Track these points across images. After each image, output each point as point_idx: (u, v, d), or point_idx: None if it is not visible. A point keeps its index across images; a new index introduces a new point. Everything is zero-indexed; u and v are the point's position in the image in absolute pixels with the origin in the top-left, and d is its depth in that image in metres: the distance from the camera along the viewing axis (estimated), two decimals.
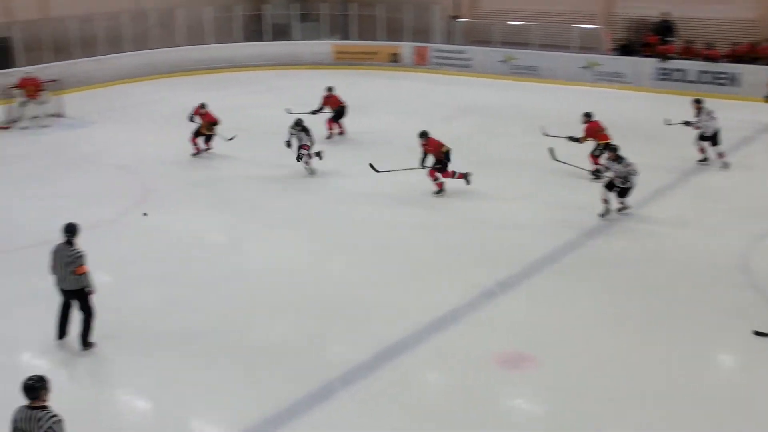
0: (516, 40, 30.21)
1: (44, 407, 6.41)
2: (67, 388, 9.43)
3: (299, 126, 17.03)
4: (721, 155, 17.59)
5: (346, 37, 33.12)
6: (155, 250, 13.55)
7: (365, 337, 10.45)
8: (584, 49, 28.70)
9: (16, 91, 22.67)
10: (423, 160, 16.23)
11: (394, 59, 31.71)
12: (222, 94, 26.26)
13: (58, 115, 23.32)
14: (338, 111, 20.61)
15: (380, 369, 9.75)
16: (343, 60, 31.96)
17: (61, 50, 28.23)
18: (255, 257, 13.21)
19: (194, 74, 30.43)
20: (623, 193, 14.32)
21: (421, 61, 31.39)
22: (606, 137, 16.64)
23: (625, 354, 10.03)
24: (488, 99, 25.90)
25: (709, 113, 17.36)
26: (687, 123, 17.70)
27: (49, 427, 6.30)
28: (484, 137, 20.83)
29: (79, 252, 9.80)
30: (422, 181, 16.07)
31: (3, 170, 18.41)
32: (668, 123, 18.45)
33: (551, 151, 14.02)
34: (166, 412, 8.99)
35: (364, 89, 27.50)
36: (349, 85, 27.92)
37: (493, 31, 30.55)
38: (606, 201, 14.37)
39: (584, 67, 28.13)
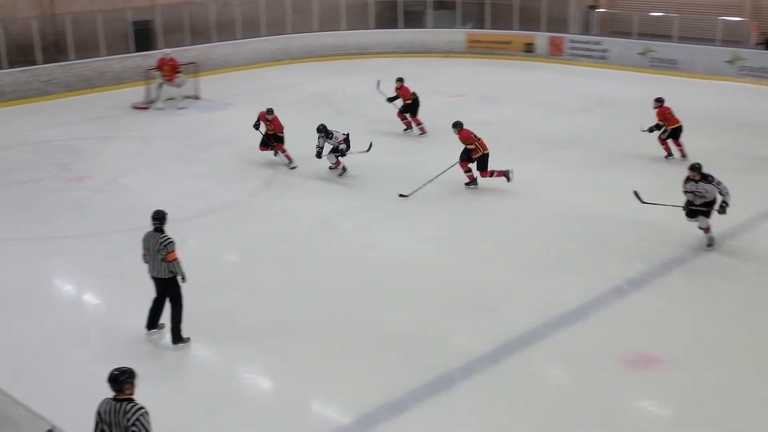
0: (656, 32, 29.23)
1: (130, 399, 6.27)
2: (187, 366, 9.66)
3: (323, 132, 16.30)
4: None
5: (480, 26, 32.75)
6: (282, 232, 13.69)
7: (488, 330, 10.28)
8: (729, 42, 27.54)
9: (155, 73, 23.32)
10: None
11: (528, 49, 31.15)
12: (352, 80, 26.45)
13: (195, 97, 23.89)
14: (412, 103, 19.86)
15: (502, 362, 9.58)
16: (476, 49, 31.61)
17: (200, 34, 28.92)
18: (381, 244, 13.18)
19: (327, 60, 30.67)
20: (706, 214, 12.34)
21: (556, 52, 30.75)
22: (677, 121, 17.01)
23: (759, 360, 9.53)
24: (623, 92, 25.13)
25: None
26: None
27: (137, 420, 6.16)
28: (613, 131, 20.14)
29: (168, 238, 9.65)
30: (550, 173, 15.71)
31: (140, 149, 19.00)
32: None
33: (636, 194, 12.81)
34: (287, 395, 9.05)
35: (495, 79, 27.19)
36: (480, 74, 27.78)
37: (633, 22, 29.63)
38: (707, 230, 12.54)
39: (728, 62, 26.98)
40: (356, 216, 14.51)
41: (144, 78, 23.80)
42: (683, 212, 12.43)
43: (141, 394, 8.88)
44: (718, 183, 12.05)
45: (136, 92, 23.92)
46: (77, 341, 10.14)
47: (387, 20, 32.91)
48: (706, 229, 12.46)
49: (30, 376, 9.05)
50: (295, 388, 9.12)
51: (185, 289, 9.81)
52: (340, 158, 16.34)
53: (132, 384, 6.30)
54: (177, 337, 9.80)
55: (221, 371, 9.58)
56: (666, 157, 17.37)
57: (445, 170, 15.29)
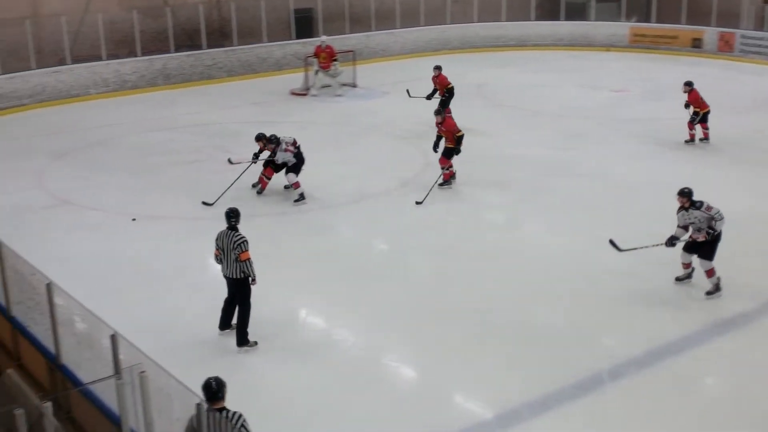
0: None
1: (225, 408, 6.17)
2: (330, 349, 9.70)
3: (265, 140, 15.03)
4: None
5: (645, 20, 31.68)
6: (433, 222, 13.62)
7: (639, 332, 9.91)
8: None
9: (312, 60, 23.67)
10: (436, 142, 15.23)
11: (696, 45, 29.88)
12: (508, 72, 26.10)
13: (352, 85, 24.14)
14: (448, 95, 18.92)
15: (652, 366, 9.22)
16: (640, 43, 30.60)
17: (359, 22, 29.22)
18: (531, 238, 12.94)
19: (483, 51, 30.39)
20: (695, 248, 10.70)
21: (725, 48, 29.36)
22: (707, 106, 17.48)
23: None
24: None
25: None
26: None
27: (242, 426, 6.11)
28: None
29: (242, 237, 9.45)
30: (712, 173, 14.99)
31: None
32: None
33: (612, 242, 11.34)
34: (430, 385, 8.97)
35: (659, 74, 26.20)
36: (644, 69, 26.87)
37: None
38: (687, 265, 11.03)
39: None
40: (509, 209, 14.26)
41: (303, 65, 24.20)
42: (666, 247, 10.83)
43: (289, 374, 9.02)
44: (708, 208, 10.45)
45: (295, 79, 24.36)
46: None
47: (548, 12, 32.31)
48: (709, 272, 10.64)
49: (181, 351, 9.30)
50: (439, 379, 9.03)
51: (340, 272, 9.84)
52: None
53: (224, 393, 6.25)
54: (242, 340, 9.56)
55: (365, 357, 9.58)
56: (686, 141, 17.63)
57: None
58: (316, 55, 23.39)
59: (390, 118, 20.36)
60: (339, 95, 23.18)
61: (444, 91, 19.19)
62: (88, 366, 7.64)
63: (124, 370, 6.41)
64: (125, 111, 21.86)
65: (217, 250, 9.55)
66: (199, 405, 5.69)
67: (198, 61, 25.57)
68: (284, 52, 27.03)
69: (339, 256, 12.14)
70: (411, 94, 19.95)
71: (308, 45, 26.17)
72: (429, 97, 19.54)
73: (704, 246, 10.47)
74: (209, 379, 6.24)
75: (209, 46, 25.94)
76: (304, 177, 14.92)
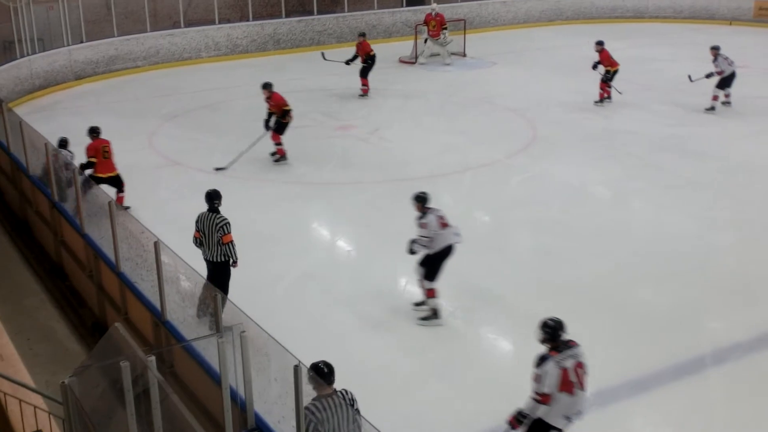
0: None
1: (335, 391, 5.92)
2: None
3: None
4: (727, 96, 17.90)
5: None
6: (538, 195, 13.42)
7: (746, 317, 9.56)
8: None
9: (422, 28, 23.51)
10: (267, 120, 14.88)
11: None
12: (624, 45, 25.35)
13: (461, 54, 23.91)
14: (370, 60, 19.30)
15: (758, 353, 8.91)
16: (765, 18, 29.34)
17: None
18: (639, 217, 12.61)
19: (598, 22, 29.66)
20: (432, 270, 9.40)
21: None
22: (617, 64, 18.26)
23: None
24: None
25: (726, 58, 17.56)
26: (709, 75, 17.65)
27: (357, 409, 5.92)
28: None
29: (225, 219, 9.20)
30: None
31: (403, 103, 19.27)
32: (692, 79, 18.01)
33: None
34: (526, 359, 8.82)
35: None
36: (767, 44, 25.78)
37: None
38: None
39: None
40: (617, 186, 13.92)
41: (413, 33, 24.07)
42: None
43: (386, 342, 9.04)
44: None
45: (404, 46, 24.27)
46: (327, 285, 10.44)
47: None
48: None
49: (282, 313, 9.41)
50: (535, 353, 8.89)
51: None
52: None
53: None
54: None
55: (463, 328, 9.52)
56: (596, 102, 18.34)
57: (254, 143, 14.82)
58: (426, 22, 23.22)
59: (498, 88, 20.11)
60: (447, 64, 23.00)
61: (365, 58, 19.46)
62: (190, 323, 7.81)
63: (225, 329, 6.51)
64: (235, 75, 22.19)
65: (197, 232, 9.20)
66: (297, 367, 5.73)
67: (308, 26, 25.75)
68: (394, 20, 26.97)
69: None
70: (326, 58, 20.27)
71: (419, 12, 26.04)
72: (348, 62, 19.95)
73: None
74: (318, 363, 5.98)
75: (320, 12, 26.07)
76: (406, 144, 14.87)
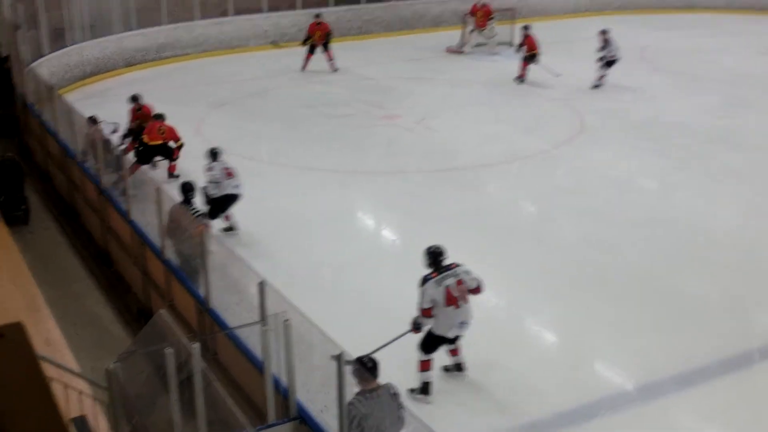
0: None
1: (379, 385, 5.92)
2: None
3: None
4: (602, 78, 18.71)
5: None
6: (583, 185, 13.30)
7: None
8: None
9: (469, 18, 23.35)
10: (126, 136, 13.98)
11: None
12: (672, 35, 25.01)
13: (508, 44, 23.69)
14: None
15: None
16: None
17: None
18: (686, 208, 12.43)
19: (648, 12, 29.24)
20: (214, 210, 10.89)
21: None
22: (536, 48, 19.47)
23: None
24: None
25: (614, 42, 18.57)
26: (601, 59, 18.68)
27: (400, 404, 5.94)
28: None
29: (197, 211, 9.24)
30: None
31: (450, 92, 19.21)
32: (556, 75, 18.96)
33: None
34: (572, 351, 8.79)
35: None
36: None
37: None
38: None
39: None
40: (665, 176, 13.74)
41: (461, 22, 23.92)
42: None
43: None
44: None
45: (452, 36, 24.14)
46: (369, 273, 10.43)
47: None
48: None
49: (324, 301, 9.41)
50: (581, 345, 8.86)
51: (487, 232, 9.71)
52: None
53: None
54: None
55: (507, 318, 9.49)
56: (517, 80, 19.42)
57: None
58: (473, 13, 23.06)
59: (545, 78, 19.92)
60: (495, 54, 22.81)
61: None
62: (234, 311, 7.85)
63: (269, 317, 6.54)
64: (282, 63, 22.23)
65: (170, 224, 9.17)
66: (339, 355, 5.74)
67: (356, 15, 25.72)
68: (442, 9, 26.82)
69: (486, 216, 12.03)
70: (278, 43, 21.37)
71: (467, 2, 25.76)
72: (304, 42, 21.04)
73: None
74: (363, 357, 6.03)
75: (368, 1, 26.02)
76: (452, 133, 14.81)
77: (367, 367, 5.93)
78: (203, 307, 8.18)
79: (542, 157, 14.67)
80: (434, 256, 7.73)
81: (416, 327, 7.79)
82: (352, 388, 5.93)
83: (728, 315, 9.34)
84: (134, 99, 14.05)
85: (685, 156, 14.58)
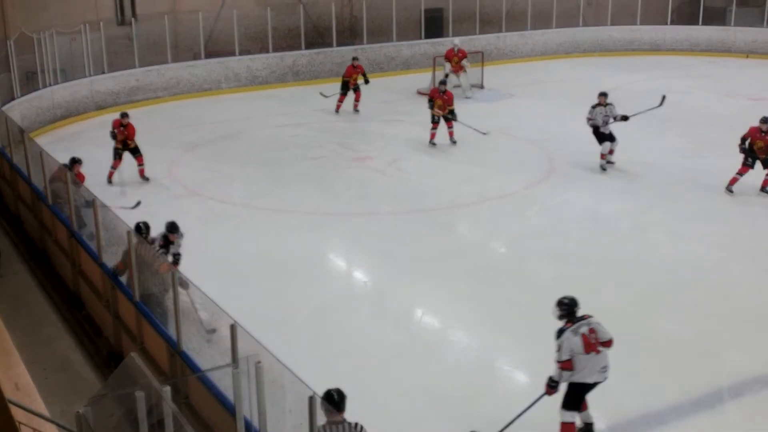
0: None
1: (345, 420, 6.06)
2: (441, 350, 9.61)
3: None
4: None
5: None
6: (556, 226, 13.41)
7: (765, 349, 9.49)
8: None
9: (444, 63, 23.51)
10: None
11: None
12: (641, 77, 25.41)
13: (479, 86, 23.96)
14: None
15: None
16: None
17: (490, 23, 29.04)
18: (657, 248, 12.54)
19: (615, 55, 29.73)
20: None
21: None
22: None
23: None
24: None
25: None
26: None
27: None
28: None
29: (156, 251, 9.33)
30: None
31: (421, 134, 19.29)
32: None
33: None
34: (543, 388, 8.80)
35: None
36: None
37: None
38: None
39: None
40: (635, 217, 13.88)
41: (431, 65, 24.15)
42: None
43: (402, 372, 8.99)
44: None
45: (422, 78, 24.35)
46: (344, 316, 10.42)
47: (685, 16, 31.33)
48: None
49: (298, 344, 9.38)
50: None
51: (460, 274, 9.75)
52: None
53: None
54: None
55: (479, 359, 9.48)
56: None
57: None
58: (449, 58, 23.25)
59: (516, 120, 20.15)
60: (468, 97, 22.99)
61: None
62: (206, 353, 7.80)
63: (241, 360, 6.50)
64: (254, 106, 22.35)
65: (120, 263, 9.34)
66: (312, 398, 5.72)
67: (327, 58, 25.92)
68: (413, 52, 27.12)
69: (459, 257, 12.08)
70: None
71: (437, 45, 26.20)
72: (346, 86, 21.36)
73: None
74: (331, 390, 6.18)
75: (339, 44, 26.25)
76: (423, 175, 14.87)
77: (331, 399, 6.06)
78: (174, 349, 8.12)
79: (514, 198, 14.77)
80: (569, 307, 7.66)
81: (552, 386, 7.66)
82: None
83: (699, 354, 9.40)
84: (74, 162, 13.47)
85: (655, 196, 14.74)
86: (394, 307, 10.58)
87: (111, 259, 10.01)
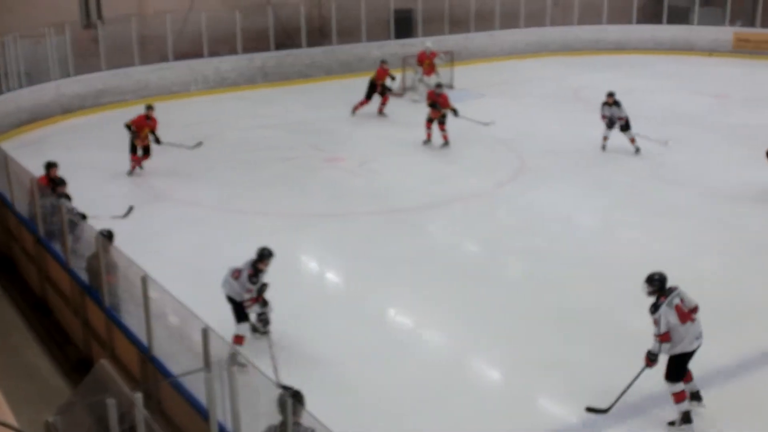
0: None
1: (299, 423, 5.87)
2: (414, 352, 9.61)
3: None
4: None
5: (750, 24, 30.66)
6: (527, 225, 13.46)
7: (732, 341, 9.62)
8: None
9: (416, 67, 23.47)
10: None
11: None
12: (607, 76, 25.55)
13: (449, 87, 23.94)
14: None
15: (742, 378, 9.07)
16: (743, 48, 29.58)
17: (459, 23, 29.07)
18: (628, 244, 12.64)
19: (582, 54, 29.89)
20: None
21: None
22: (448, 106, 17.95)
23: None
24: None
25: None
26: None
27: None
28: None
29: None
30: None
31: (392, 134, 19.32)
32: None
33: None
34: (515, 388, 8.87)
35: (763, 81, 25.31)
36: (747, 75, 26.00)
37: None
38: None
39: None
40: (605, 214, 13.99)
41: (401, 65, 24.12)
42: None
43: (377, 373, 8.96)
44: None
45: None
46: (318, 318, 10.36)
47: (650, 16, 31.58)
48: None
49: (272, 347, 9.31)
50: (525, 381, 8.91)
51: (432, 273, 9.73)
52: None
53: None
54: None
55: (453, 358, 9.50)
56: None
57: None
58: (420, 61, 23.21)
59: (486, 119, 20.15)
60: (415, 101, 22.84)
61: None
62: (178, 358, 7.73)
63: (213, 364, 6.45)
64: (224, 108, 22.22)
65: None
66: (281, 396, 5.70)
67: (297, 60, 25.85)
68: (383, 53, 26.97)
69: (431, 257, 12.09)
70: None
71: (407, 46, 26.18)
72: (379, 89, 21.08)
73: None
74: (285, 392, 6.01)
75: (308, 45, 26.17)
76: (394, 175, 14.87)
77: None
78: (146, 355, 8.04)
79: (485, 198, 14.82)
80: (661, 282, 8.00)
81: (652, 359, 8.00)
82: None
83: None
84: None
85: (624, 193, 14.84)
86: (367, 307, 10.55)
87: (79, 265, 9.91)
